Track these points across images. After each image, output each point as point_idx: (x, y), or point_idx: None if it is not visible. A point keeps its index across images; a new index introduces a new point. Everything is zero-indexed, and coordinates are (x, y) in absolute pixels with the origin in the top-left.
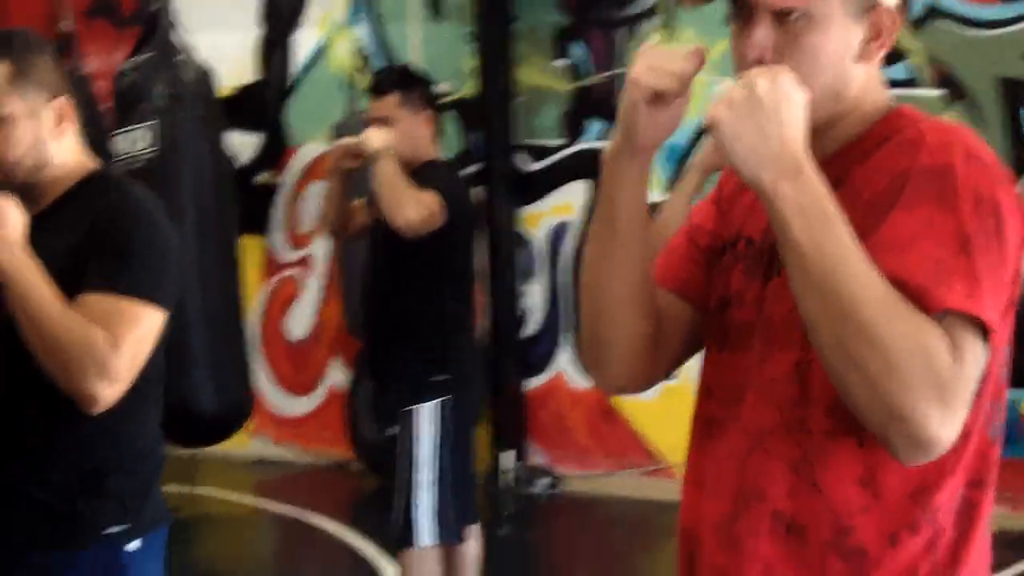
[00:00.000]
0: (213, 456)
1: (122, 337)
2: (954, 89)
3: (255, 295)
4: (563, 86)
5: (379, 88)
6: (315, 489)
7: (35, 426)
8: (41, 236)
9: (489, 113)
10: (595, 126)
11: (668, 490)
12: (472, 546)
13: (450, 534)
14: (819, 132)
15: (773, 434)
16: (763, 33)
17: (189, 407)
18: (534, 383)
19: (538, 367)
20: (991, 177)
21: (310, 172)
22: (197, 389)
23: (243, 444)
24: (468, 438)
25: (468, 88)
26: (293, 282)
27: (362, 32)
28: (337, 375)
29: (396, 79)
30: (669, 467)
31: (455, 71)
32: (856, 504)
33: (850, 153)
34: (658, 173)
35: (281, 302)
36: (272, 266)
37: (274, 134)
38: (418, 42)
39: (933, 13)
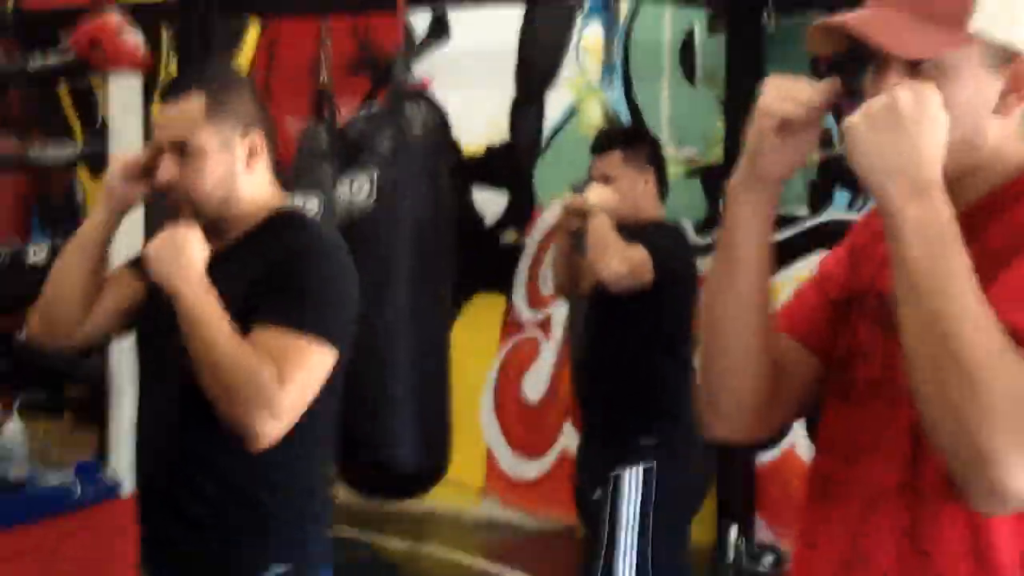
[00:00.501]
0: (441, 515)
1: (290, 374)
2: None
3: (494, 355)
4: (812, 154)
5: (602, 145)
6: (540, 553)
7: (205, 461)
8: (225, 269)
9: None
10: (842, 196)
11: None
12: None
13: None
14: (953, 184)
15: (886, 496)
16: (895, 83)
17: (386, 458)
18: (767, 456)
19: (772, 439)
20: None
21: (554, 232)
22: (397, 440)
23: (473, 505)
24: (677, 508)
25: (715, 154)
26: (533, 343)
27: (614, 94)
28: (569, 439)
29: (620, 136)
30: None
31: (704, 136)
32: (965, 571)
33: (985, 207)
34: None
35: (519, 363)
36: (512, 326)
37: (522, 193)
38: (668, 105)
39: None
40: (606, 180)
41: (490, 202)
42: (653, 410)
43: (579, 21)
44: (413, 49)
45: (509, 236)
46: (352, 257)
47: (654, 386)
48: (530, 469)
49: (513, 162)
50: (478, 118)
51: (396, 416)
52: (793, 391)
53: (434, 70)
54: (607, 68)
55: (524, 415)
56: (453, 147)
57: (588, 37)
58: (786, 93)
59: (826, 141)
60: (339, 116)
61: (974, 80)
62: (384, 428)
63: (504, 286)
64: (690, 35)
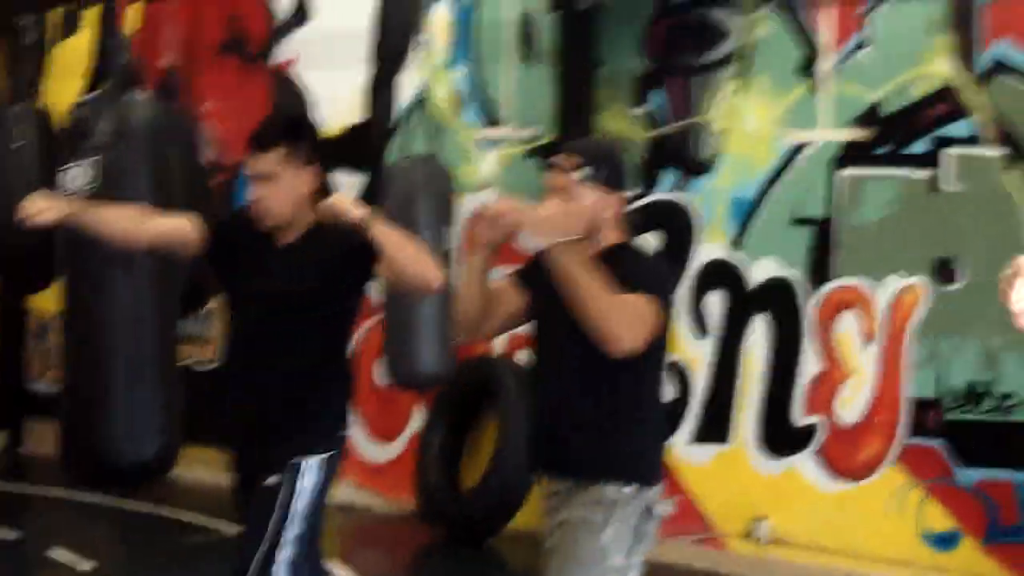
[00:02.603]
0: None
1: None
2: (1017, 148)
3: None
4: (640, 134)
5: (261, 143)
6: (389, 535)
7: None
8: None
9: None
10: (669, 176)
11: (717, 560)
12: None
13: None
14: None
15: None
16: None
17: (105, 451)
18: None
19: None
20: None
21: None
22: (117, 434)
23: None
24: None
25: (555, 132)
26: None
27: (460, 75)
28: (418, 423)
29: (280, 131)
30: (720, 537)
31: (544, 115)
32: None
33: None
34: (727, 228)
35: (370, 348)
36: (367, 309)
37: (378, 174)
38: (510, 86)
39: (998, 68)
40: (266, 179)
41: (347, 183)
42: (333, 404)
43: (427, 2)
44: (275, 30)
45: None
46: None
47: (336, 382)
48: (384, 452)
49: (368, 143)
50: (338, 99)
51: (118, 409)
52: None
53: (296, 51)
54: (456, 49)
55: (378, 398)
56: (184, 132)
57: (436, 18)
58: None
59: (653, 122)
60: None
61: None
62: (106, 421)
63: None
64: (530, 15)
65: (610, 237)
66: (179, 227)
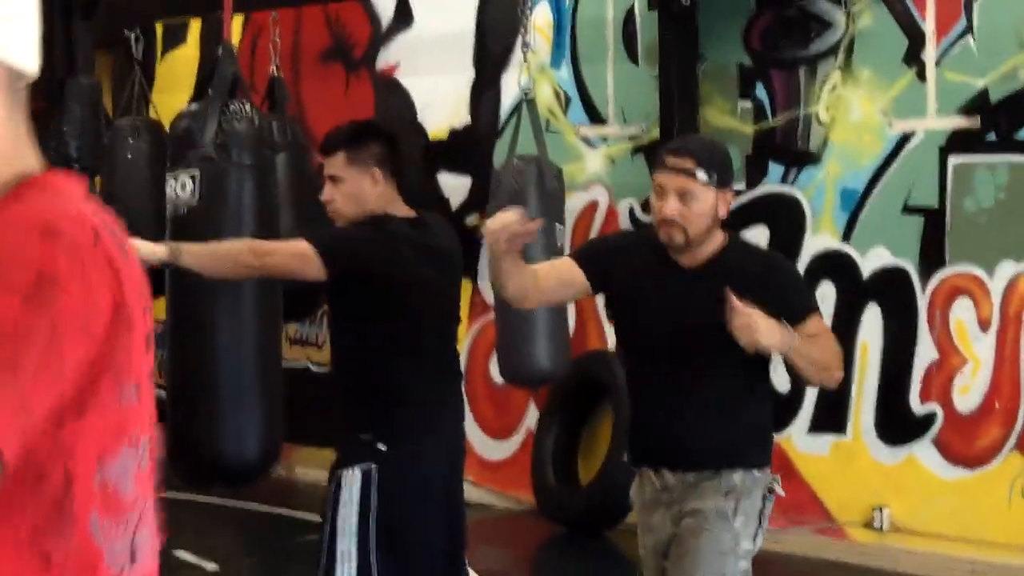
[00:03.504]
0: None
1: None
2: None
3: (463, 338)
4: (746, 128)
5: (326, 148)
6: (505, 532)
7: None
8: None
9: None
10: (776, 169)
11: (838, 550)
12: None
13: None
14: None
15: None
16: None
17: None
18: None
19: None
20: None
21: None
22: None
23: None
24: (402, 512)
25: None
26: None
27: (563, 74)
28: (534, 419)
29: (343, 138)
30: (840, 527)
31: (647, 113)
32: None
33: None
34: (836, 219)
35: (487, 345)
36: (479, 308)
37: (483, 176)
38: (612, 83)
39: None
40: (333, 181)
41: (454, 186)
42: (374, 408)
43: (529, 3)
44: (379, 36)
45: (472, 219)
46: None
47: (372, 383)
48: (499, 450)
49: (474, 145)
50: (442, 102)
51: (231, 412)
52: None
53: (399, 55)
54: (557, 49)
55: (493, 396)
56: (290, 141)
57: (538, 18)
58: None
59: (759, 115)
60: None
61: None
62: (218, 424)
63: (469, 269)
64: (631, 13)
65: (718, 234)
66: (296, 256)
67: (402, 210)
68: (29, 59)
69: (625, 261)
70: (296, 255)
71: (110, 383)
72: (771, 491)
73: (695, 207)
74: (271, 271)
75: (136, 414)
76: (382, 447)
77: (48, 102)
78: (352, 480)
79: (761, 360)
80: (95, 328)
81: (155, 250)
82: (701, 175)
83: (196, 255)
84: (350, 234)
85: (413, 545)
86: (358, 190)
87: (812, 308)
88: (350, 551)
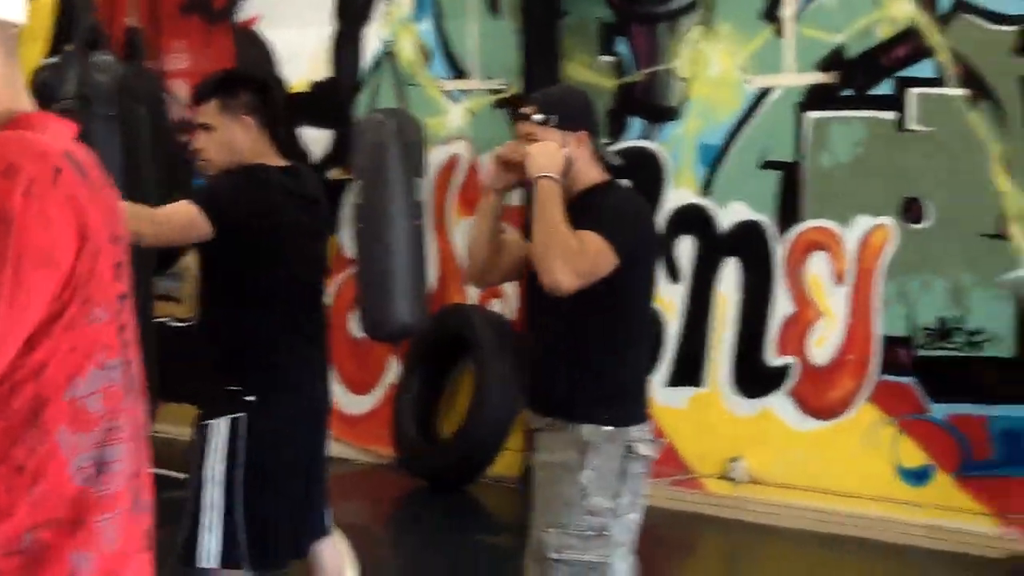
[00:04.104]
0: None
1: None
2: (978, 87)
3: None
4: (608, 82)
5: (198, 95)
6: (362, 485)
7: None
8: None
9: None
10: (637, 124)
11: (695, 501)
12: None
13: None
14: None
15: None
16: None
17: None
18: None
19: None
20: None
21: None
22: None
23: None
24: (268, 462)
25: (520, 84)
26: None
27: (425, 28)
28: (394, 374)
29: (214, 85)
30: (697, 478)
31: (509, 67)
32: None
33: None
34: (695, 174)
35: (347, 300)
36: (339, 263)
37: (346, 129)
38: (475, 38)
39: (960, 7)
40: (205, 129)
41: (315, 139)
42: (243, 360)
43: None
44: None
45: (335, 173)
46: None
47: (243, 335)
48: (360, 404)
49: (336, 98)
50: (303, 55)
51: None
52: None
53: (260, 7)
54: (419, 3)
55: (354, 351)
56: (150, 92)
57: None
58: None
59: (620, 70)
60: (166, 59)
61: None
62: None
63: (330, 223)
64: None
65: (591, 176)
66: (187, 224)
67: (274, 160)
68: (18, 10)
69: None
70: (186, 224)
71: (78, 309)
72: (631, 450)
73: (540, 150)
74: (163, 240)
75: (105, 336)
76: (250, 398)
77: None
78: (219, 431)
79: (603, 307)
80: (60, 258)
81: None
82: (537, 117)
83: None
84: (227, 185)
85: (278, 493)
86: (230, 138)
87: (598, 228)
88: (217, 500)
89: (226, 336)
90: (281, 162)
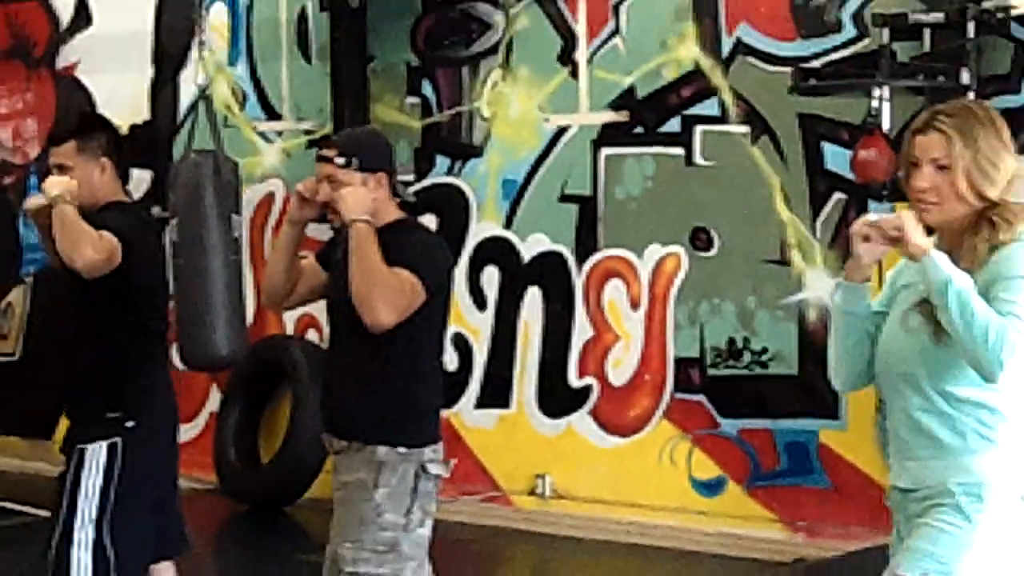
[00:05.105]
0: None
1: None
2: (758, 124)
3: None
4: (415, 123)
5: (56, 137)
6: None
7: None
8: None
9: None
10: (443, 162)
11: (504, 516)
12: None
13: None
14: None
15: None
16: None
17: None
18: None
19: None
20: None
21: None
22: None
23: None
24: (142, 485)
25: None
26: None
27: (240, 72)
28: (216, 402)
29: (73, 128)
30: (506, 495)
31: (320, 108)
32: None
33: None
34: (498, 208)
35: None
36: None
37: (164, 170)
38: (287, 81)
39: (739, 49)
40: (61, 170)
41: (138, 180)
42: (122, 388)
43: (205, 2)
44: (58, 34)
45: (156, 212)
46: None
47: (123, 365)
48: (183, 432)
49: (154, 141)
50: (122, 99)
51: None
52: None
53: (79, 54)
54: (235, 47)
55: (176, 381)
56: None
57: (214, 17)
58: None
59: (426, 111)
60: None
61: None
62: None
63: None
64: (304, 14)
65: (389, 214)
66: (112, 251)
67: (125, 199)
68: None
69: (337, 246)
70: (111, 250)
71: None
72: (424, 469)
73: (346, 194)
74: (93, 268)
75: None
76: (129, 423)
77: None
78: (98, 454)
79: (404, 336)
80: None
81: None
82: (340, 160)
83: (69, 218)
84: (123, 223)
85: (145, 511)
86: (87, 178)
87: (410, 265)
88: (92, 517)
89: (99, 366)
90: (129, 200)
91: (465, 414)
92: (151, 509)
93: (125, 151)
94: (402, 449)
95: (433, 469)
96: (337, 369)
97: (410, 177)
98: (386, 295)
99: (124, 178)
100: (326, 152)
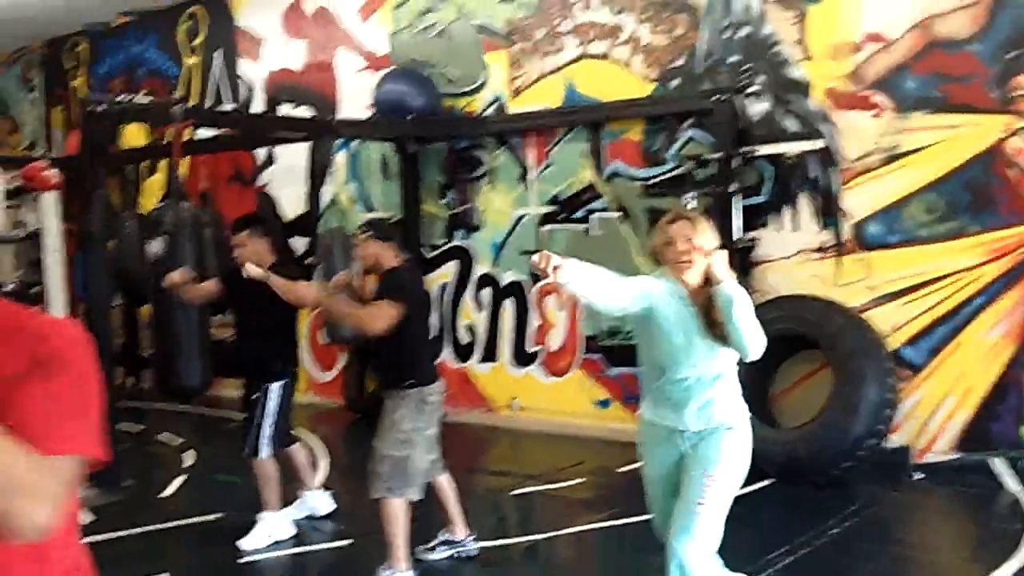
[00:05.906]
0: None
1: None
2: (626, 213)
3: None
4: (443, 213)
5: (239, 226)
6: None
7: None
8: None
9: None
10: (459, 233)
11: (492, 420)
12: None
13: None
14: None
15: None
16: None
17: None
18: None
19: None
20: None
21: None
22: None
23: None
24: (290, 407)
25: (400, 215)
26: None
27: (354, 186)
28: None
29: (244, 222)
30: (493, 409)
31: (394, 204)
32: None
33: None
34: (489, 258)
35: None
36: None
37: (316, 237)
38: (377, 191)
39: (616, 174)
40: (243, 245)
41: (298, 245)
42: (282, 353)
43: (334, 150)
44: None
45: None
46: None
47: (283, 340)
48: (328, 374)
49: (310, 223)
50: (293, 202)
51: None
52: None
53: (268, 178)
54: (349, 173)
55: (321, 350)
56: (212, 223)
57: (339, 157)
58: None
59: (450, 206)
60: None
61: None
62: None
63: None
64: (385, 156)
65: (391, 263)
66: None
67: (274, 259)
68: None
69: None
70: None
71: None
72: (424, 399)
73: (364, 250)
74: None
75: None
76: (284, 378)
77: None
78: (276, 389)
79: (400, 337)
80: None
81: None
82: (363, 237)
83: (287, 285)
84: (284, 273)
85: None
86: (255, 251)
87: (383, 295)
88: (271, 420)
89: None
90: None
91: (473, 366)
92: (288, 419)
93: (279, 230)
94: (410, 390)
95: (431, 398)
96: (377, 352)
97: (442, 241)
98: (368, 320)
99: (284, 245)
100: (357, 233)
